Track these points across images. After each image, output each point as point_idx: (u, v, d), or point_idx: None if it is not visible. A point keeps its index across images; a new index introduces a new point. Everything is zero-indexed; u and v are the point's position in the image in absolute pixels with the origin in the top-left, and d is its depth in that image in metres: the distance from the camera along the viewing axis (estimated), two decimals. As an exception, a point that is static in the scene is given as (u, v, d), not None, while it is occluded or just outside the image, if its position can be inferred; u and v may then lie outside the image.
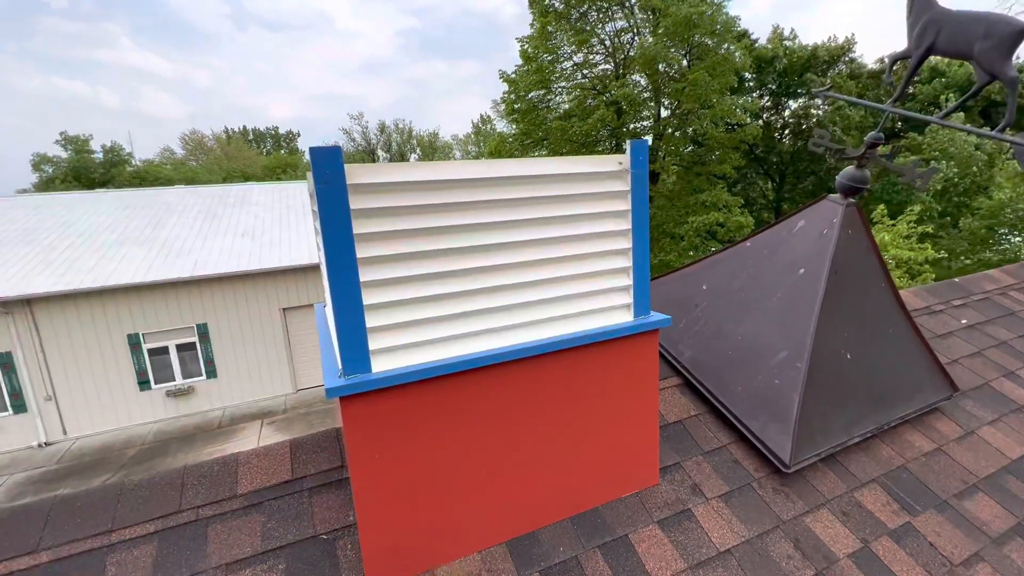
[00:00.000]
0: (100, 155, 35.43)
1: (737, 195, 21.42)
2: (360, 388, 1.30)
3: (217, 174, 38.29)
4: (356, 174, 1.28)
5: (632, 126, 20.86)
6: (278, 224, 14.95)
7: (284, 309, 13.46)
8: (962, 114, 18.93)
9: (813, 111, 23.48)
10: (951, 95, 18.88)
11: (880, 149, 2.20)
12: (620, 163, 1.65)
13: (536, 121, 21.51)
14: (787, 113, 25.28)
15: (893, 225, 13.27)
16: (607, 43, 21.64)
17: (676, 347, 2.44)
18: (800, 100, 24.30)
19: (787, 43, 24.28)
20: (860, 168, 2.13)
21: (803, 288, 2.12)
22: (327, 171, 1.23)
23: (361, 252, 1.31)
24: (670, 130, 21.08)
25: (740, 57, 19.04)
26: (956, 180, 17.37)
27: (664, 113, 21.41)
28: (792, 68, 23.41)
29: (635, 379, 1.77)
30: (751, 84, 24.45)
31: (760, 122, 23.60)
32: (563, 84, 22.07)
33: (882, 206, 14.37)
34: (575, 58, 21.61)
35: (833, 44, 23.83)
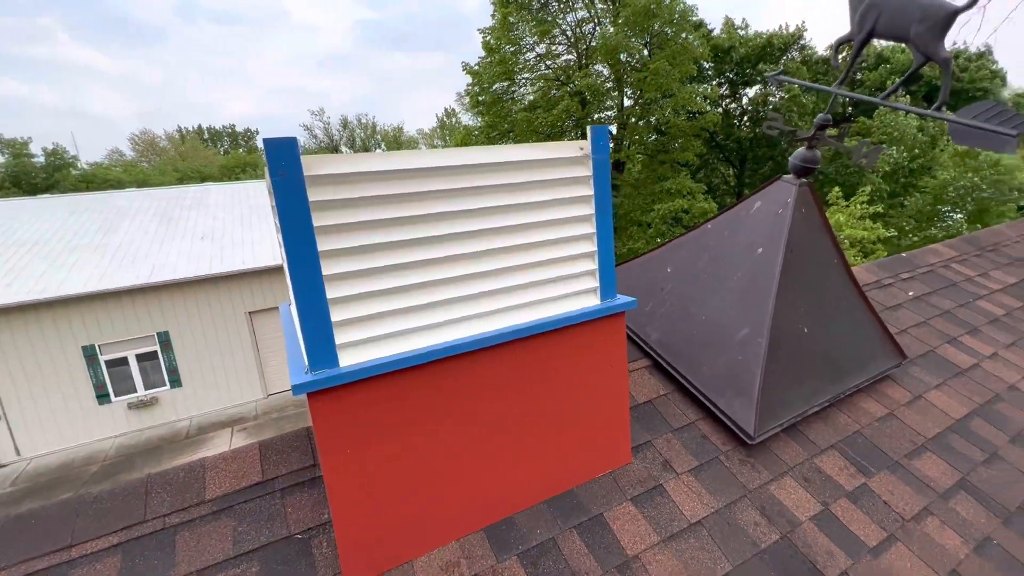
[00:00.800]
0: (41, 159, 33.40)
1: (700, 182, 21.91)
2: (328, 383, 1.29)
3: (171, 175, 36.68)
4: (314, 165, 1.26)
5: (596, 116, 21.01)
6: (239, 225, 14.47)
7: (250, 313, 13.08)
8: (908, 97, 19.83)
9: (770, 98, 24.16)
10: (896, 79, 19.74)
11: (829, 131, 2.28)
12: (581, 148, 1.66)
13: (501, 113, 21.43)
14: (745, 100, 25.94)
15: (847, 206, 13.84)
16: (569, 33, 21.69)
17: (644, 330, 2.49)
18: (756, 88, 24.97)
19: (740, 32, 24.84)
20: (811, 149, 2.21)
21: (762, 267, 2.20)
22: (283, 163, 1.20)
23: (323, 245, 1.29)
24: (633, 119, 21.36)
25: (699, 46, 19.38)
26: (904, 163, 18.25)
27: (627, 102, 21.66)
28: (748, 57, 24.00)
29: (604, 361, 1.80)
30: (710, 73, 24.95)
31: (720, 110, 24.14)
32: (527, 75, 22.02)
33: (837, 188, 14.97)
34: (538, 49, 21.57)
35: (785, 32, 24.53)
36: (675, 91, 18.75)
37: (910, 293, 3.22)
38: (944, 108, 1.94)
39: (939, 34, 1.75)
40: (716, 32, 25.16)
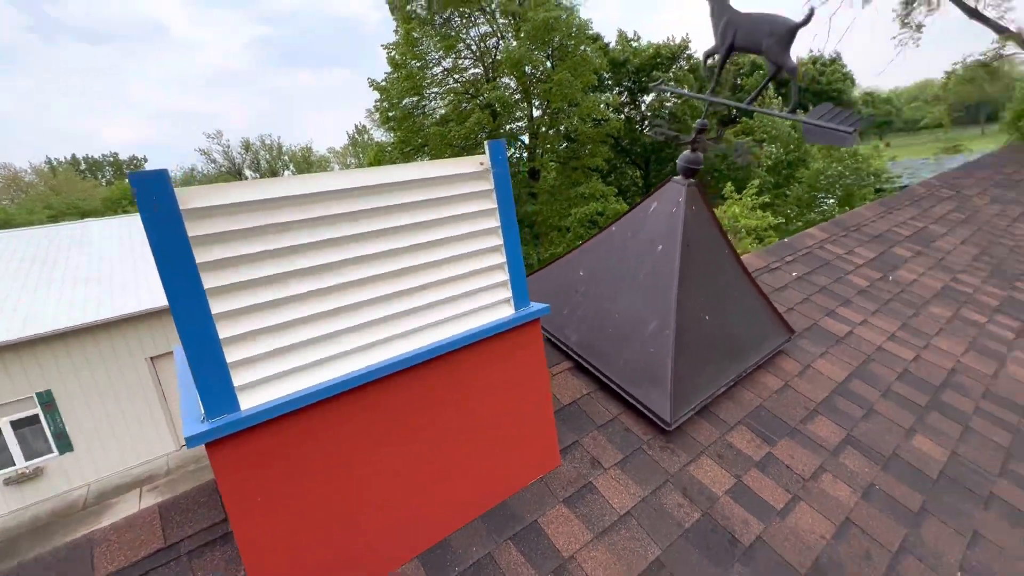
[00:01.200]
0: None
1: (611, 184, 23.06)
2: (227, 430, 1.19)
3: (42, 213, 32.47)
4: (191, 198, 1.17)
5: (508, 127, 21.47)
6: (130, 263, 13.07)
7: (152, 358, 11.83)
8: (780, 99, 22.24)
9: (665, 104, 26.03)
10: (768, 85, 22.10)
11: (707, 134, 2.50)
12: (481, 163, 1.69)
13: (414, 128, 21.26)
14: (643, 107, 27.73)
15: (740, 199, 15.19)
16: (474, 48, 22.04)
17: (563, 333, 2.57)
18: (653, 95, 26.83)
19: (633, 44, 26.64)
20: (694, 151, 2.41)
21: (663, 262, 2.35)
22: (153, 198, 1.11)
23: (210, 282, 1.20)
24: (544, 128, 22.07)
25: (597, 57, 20.48)
26: (783, 157, 20.44)
27: (536, 113, 22.35)
28: (643, 66, 25.75)
29: (524, 369, 1.83)
30: (610, 82, 26.44)
31: (622, 116, 25.62)
32: (436, 89, 22.06)
33: (730, 183, 16.38)
34: (444, 63, 21.70)
35: (672, 44, 26.61)
36: (579, 100, 19.65)
37: (793, 274, 3.59)
38: (799, 110, 2.21)
39: (785, 46, 1.99)
40: (612, 44, 26.77)
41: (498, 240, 1.75)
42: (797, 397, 2.47)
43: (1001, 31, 11.36)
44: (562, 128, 21.66)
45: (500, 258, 1.76)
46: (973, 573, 1.75)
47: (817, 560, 1.73)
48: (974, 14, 11.50)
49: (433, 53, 20.89)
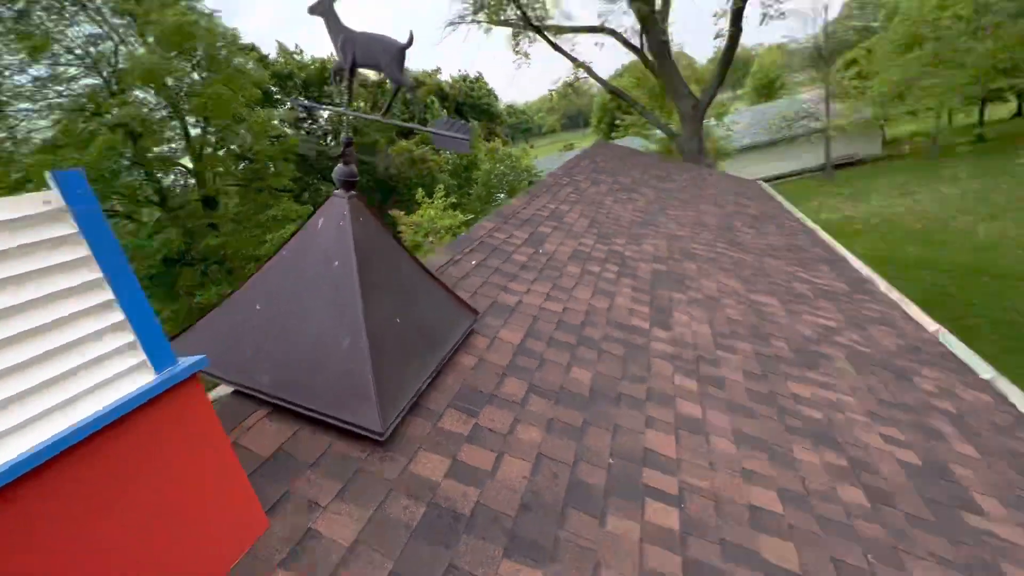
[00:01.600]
0: None
1: (306, 203, 21.82)
2: None
3: None
4: None
5: (158, 149, 17.74)
6: None
7: None
8: (445, 112, 25.20)
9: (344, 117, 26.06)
10: (433, 99, 24.74)
11: (377, 145, 2.57)
12: (48, 201, 1.29)
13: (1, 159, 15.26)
14: (322, 121, 27.11)
15: (432, 203, 16.59)
16: (80, 52, 17.18)
17: (252, 377, 2.26)
18: (329, 110, 26.50)
19: (297, 57, 25.67)
20: (347, 164, 2.45)
21: (342, 278, 2.32)
22: None
23: None
24: (210, 149, 19.13)
25: (256, 70, 18.84)
26: (459, 161, 23.31)
27: (195, 131, 19.14)
28: (311, 80, 25.06)
29: (190, 438, 1.52)
30: (280, 97, 24.79)
31: (302, 132, 24.43)
32: (28, 106, 16.36)
33: (420, 189, 17.68)
34: (33, 70, 16.23)
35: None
36: (246, 116, 17.76)
37: (473, 262, 4.11)
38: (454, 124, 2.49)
39: (399, 65, 2.20)
40: (273, 57, 25.07)
41: (107, 295, 1.38)
42: (490, 367, 2.84)
43: (574, 61, 15.65)
44: (234, 147, 19.20)
45: (117, 316, 1.40)
46: (617, 456, 2.38)
47: (523, 498, 2.04)
48: (556, 48, 15.45)
49: (7, 56, 15.34)
